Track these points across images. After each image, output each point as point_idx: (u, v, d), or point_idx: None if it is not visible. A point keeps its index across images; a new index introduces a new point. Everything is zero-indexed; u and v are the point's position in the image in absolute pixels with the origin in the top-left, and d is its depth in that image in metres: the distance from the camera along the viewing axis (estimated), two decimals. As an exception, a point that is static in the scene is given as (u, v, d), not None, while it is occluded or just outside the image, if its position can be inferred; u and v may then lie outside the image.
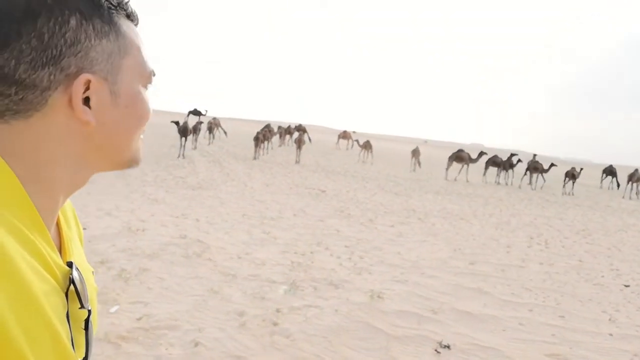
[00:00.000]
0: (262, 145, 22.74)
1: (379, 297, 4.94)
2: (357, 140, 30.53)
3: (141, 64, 0.63)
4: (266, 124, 27.46)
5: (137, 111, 0.62)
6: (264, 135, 23.88)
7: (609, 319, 5.26)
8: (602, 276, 7.20)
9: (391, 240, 8.33)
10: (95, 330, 0.67)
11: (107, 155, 0.62)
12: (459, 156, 21.65)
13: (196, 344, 3.41)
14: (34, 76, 0.54)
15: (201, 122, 24.69)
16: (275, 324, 3.94)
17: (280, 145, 29.57)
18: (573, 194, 21.84)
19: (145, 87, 0.64)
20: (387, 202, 12.87)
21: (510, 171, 22.82)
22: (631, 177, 23.69)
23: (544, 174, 22.26)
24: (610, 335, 4.76)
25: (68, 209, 0.72)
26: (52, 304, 0.53)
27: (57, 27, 0.54)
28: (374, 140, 45.85)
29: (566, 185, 22.23)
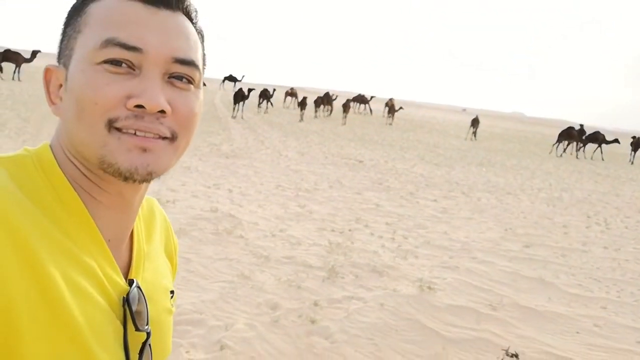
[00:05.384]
0: (318, 109, 25.29)
1: (429, 288, 4.36)
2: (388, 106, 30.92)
3: (91, 37, 0.54)
4: (326, 91, 28.91)
5: (75, 94, 0.54)
6: (322, 100, 26.11)
7: (699, 322, 4.53)
8: (680, 266, 6.39)
9: (435, 216, 7.69)
10: (166, 356, 0.64)
11: (80, 152, 0.56)
12: (570, 134, 22.98)
13: (222, 347, 2.92)
14: None
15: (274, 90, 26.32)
16: (312, 322, 3.42)
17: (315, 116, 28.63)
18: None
19: (101, 63, 0.53)
20: (428, 174, 12.15)
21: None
22: None
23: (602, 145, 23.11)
24: None
25: (156, 222, 0.69)
26: (97, 325, 0.52)
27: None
28: (414, 108, 44.73)
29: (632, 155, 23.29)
